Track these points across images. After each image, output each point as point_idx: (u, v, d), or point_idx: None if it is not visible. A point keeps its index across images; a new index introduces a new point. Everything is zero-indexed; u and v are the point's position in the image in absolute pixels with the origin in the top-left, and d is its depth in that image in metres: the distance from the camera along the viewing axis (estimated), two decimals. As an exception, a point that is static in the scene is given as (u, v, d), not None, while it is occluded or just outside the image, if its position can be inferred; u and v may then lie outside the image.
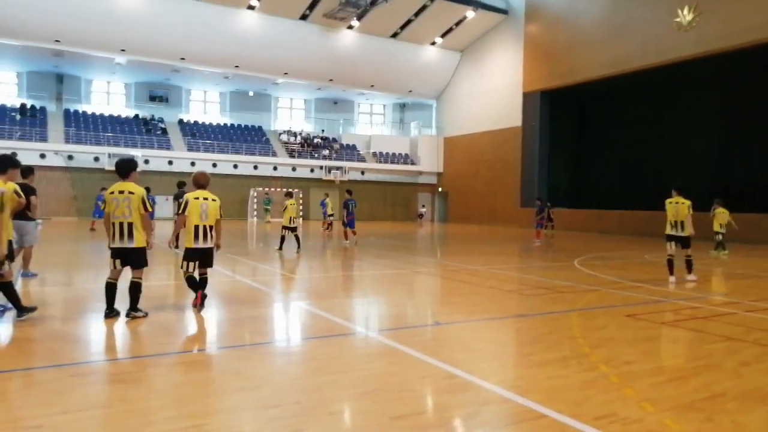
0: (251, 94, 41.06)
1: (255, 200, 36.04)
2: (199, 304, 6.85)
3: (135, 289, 6.35)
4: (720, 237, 16.13)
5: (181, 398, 3.92)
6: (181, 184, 15.07)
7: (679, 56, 24.97)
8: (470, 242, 21.08)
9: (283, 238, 15.28)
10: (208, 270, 7.17)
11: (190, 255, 6.91)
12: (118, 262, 6.33)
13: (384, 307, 7.87)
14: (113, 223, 6.24)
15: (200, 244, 6.87)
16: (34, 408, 3.66)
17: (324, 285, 9.96)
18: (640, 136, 30.95)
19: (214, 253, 7.11)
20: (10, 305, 6.45)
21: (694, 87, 27.96)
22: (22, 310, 6.12)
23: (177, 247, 7.62)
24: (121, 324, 6.17)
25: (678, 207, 10.31)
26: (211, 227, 6.93)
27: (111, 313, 6.32)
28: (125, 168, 6.43)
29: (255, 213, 35.86)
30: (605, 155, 33.00)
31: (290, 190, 19.59)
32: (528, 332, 6.22)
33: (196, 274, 7.01)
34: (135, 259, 6.35)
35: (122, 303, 6.74)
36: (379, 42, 36.75)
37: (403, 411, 3.72)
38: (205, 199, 6.92)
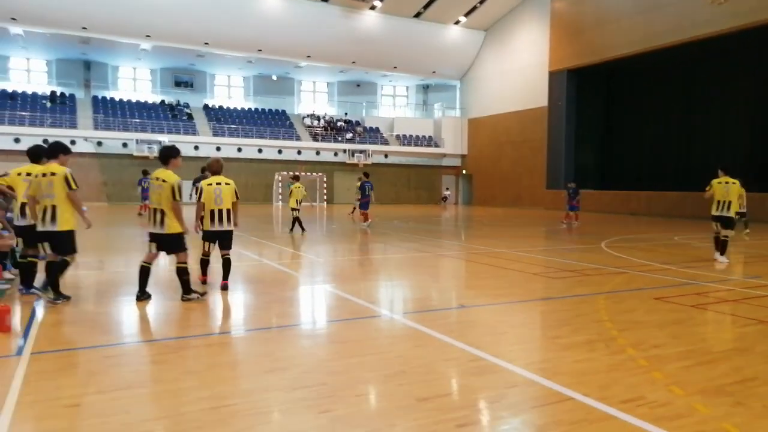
0: (274, 78, 41.15)
1: (280, 184, 36.30)
2: (222, 288, 7.23)
3: (180, 274, 6.54)
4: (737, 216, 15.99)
5: (213, 379, 4.02)
6: (203, 169, 15.34)
7: (713, 31, 24.17)
8: (495, 225, 20.95)
9: (295, 220, 15.80)
10: (231, 252, 7.40)
11: (207, 237, 7.39)
12: (153, 246, 6.53)
13: (409, 290, 7.90)
14: (149, 209, 6.49)
15: (216, 227, 7.22)
16: (71, 388, 3.80)
17: (349, 268, 10.03)
18: (671, 115, 30.18)
19: (233, 233, 7.40)
20: (42, 290, 6.70)
21: (729, 62, 27.05)
22: (58, 294, 6.31)
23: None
24: (152, 307, 6.33)
25: (729, 187, 10.27)
26: (228, 210, 7.22)
27: (142, 296, 6.48)
28: (164, 155, 6.58)
29: (280, 197, 36.15)
30: (634, 135, 32.30)
31: (297, 173, 19.76)
32: (554, 315, 6.18)
33: (218, 256, 7.39)
34: (168, 245, 6.51)
35: (156, 287, 6.89)
36: (402, 22, 36.36)
37: (429, 393, 3.76)
38: (218, 184, 7.22)
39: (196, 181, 14.72)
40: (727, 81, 27.27)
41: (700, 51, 26.53)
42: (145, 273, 6.50)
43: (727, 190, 10.27)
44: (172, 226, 6.39)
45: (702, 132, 28.33)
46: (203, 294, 6.69)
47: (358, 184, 24.63)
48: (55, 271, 6.27)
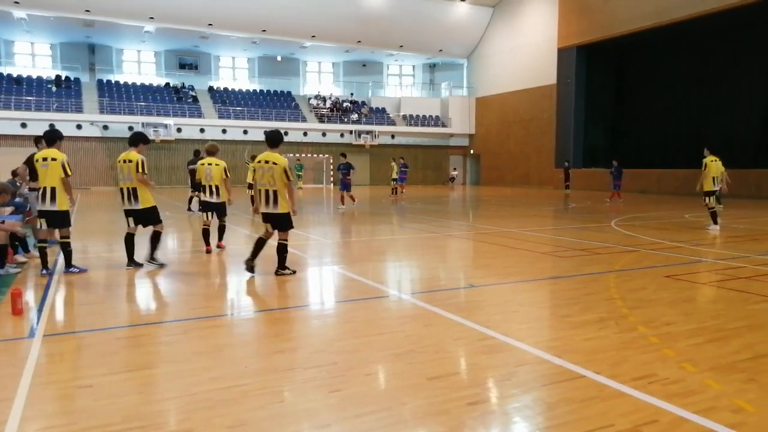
0: (279, 58, 40.83)
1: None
2: (217, 247, 8.95)
3: (281, 250, 6.96)
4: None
5: (224, 360, 4.03)
6: (196, 153, 16.07)
7: (727, 4, 23.67)
8: (503, 205, 20.86)
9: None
10: (226, 219, 9.02)
11: (204, 207, 9.03)
12: (268, 225, 6.96)
13: (417, 270, 7.89)
14: (260, 190, 6.77)
15: (209, 199, 8.81)
16: (84, 369, 3.83)
17: (356, 249, 10.03)
18: (682, 92, 29.71)
19: (227, 206, 8.99)
20: (52, 270, 6.77)
21: (742, 37, 26.53)
22: (158, 261, 7.42)
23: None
24: (162, 289, 6.38)
25: (719, 164, 12.02)
26: (217, 186, 8.72)
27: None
28: (276, 139, 6.91)
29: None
30: (644, 112, 31.87)
31: (254, 154, 19.67)
32: (564, 294, 6.15)
33: (213, 228, 8.94)
34: (279, 222, 6.83)
35: (166, 269, 6.88)
36: (408, 0, 35.86)
37: (439, 372, 3.75)
38: (210, 164, 8.73)
39: (191, 163, 15.06)
40: (740, 56, 26.76)
41: (712, 25, 26.03)
42: (259, 243, 6.90)
43: (718, 167, 11.91)
44: (282, 206, 6.73)
45: (714, 109, 27.89)
46: (294, 272, 6.96)
47: (393, 164, 24.77)
48: (154, 241, 7.39)
